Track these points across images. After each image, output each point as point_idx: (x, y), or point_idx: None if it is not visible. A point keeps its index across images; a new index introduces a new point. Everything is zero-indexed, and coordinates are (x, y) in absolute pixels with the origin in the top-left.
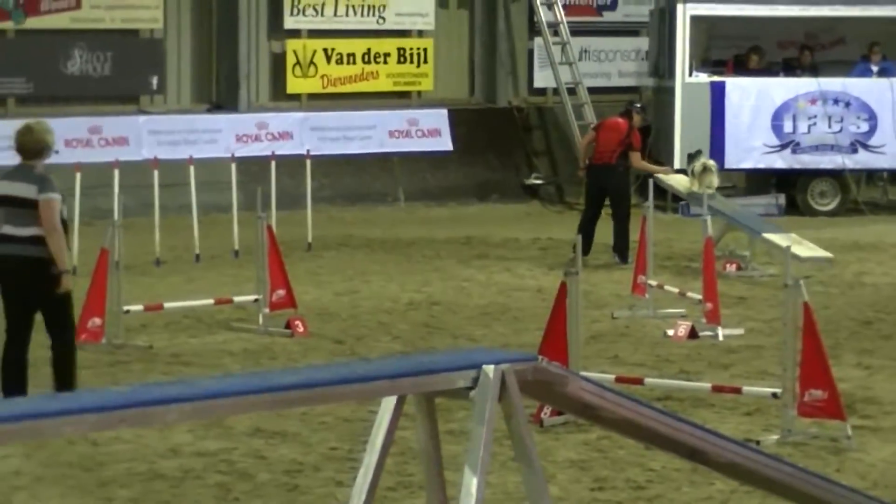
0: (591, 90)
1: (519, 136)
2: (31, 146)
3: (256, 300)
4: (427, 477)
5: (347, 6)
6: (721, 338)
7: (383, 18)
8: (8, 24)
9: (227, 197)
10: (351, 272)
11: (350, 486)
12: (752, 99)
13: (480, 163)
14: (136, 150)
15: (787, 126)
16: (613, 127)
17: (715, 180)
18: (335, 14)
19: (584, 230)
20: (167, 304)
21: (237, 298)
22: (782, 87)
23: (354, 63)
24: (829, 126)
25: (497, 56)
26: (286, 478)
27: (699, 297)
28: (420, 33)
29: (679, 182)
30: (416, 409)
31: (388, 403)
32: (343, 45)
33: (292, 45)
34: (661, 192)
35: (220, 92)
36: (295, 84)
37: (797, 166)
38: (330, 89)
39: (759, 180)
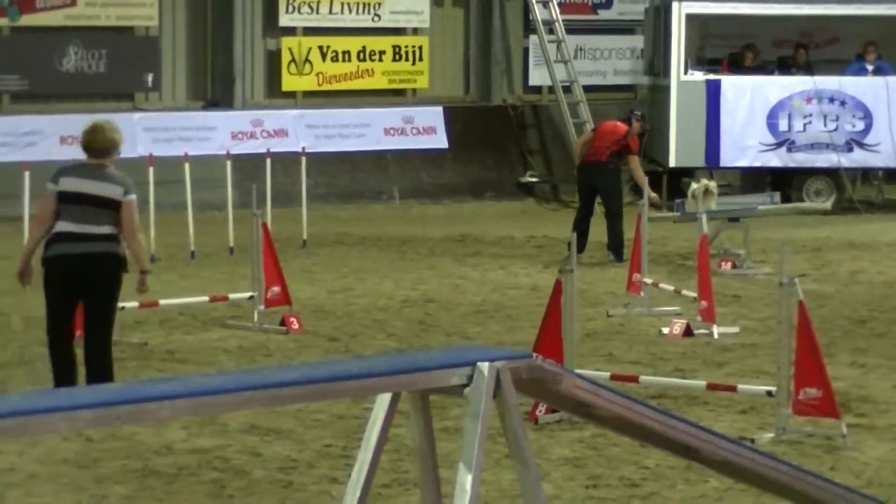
0: (587, 88)
1: (514, 134)
2: (101, 145)
3: (251, 297)
4: (421, 474)
5: (343, 4)
6: (716, 336)
7: (378, 16)
8: (3, 22)
9: (222, 194)
10: (346, 270)
11: (344, 482)
12: (748, 97)
13: (475, 161)
14: (132, 147)
15: (783, 124)
16: (611, 129)
17: (713, 204)
18: (330, 12)
19: (578, 228)
20: (162, 301)
21: (232, 296)
22: (778, 86)
23: (350, 60)
24: (825, 125)
25: (492, 54)
26: (280, 475)
27: (694, 295)
28: (415, 31)
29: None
30: (411, 406)
31: (383, 400)
32: (338, 43)
33: (287, 42)
34: (657, 190)
35: (215, 89)
36: (290, 82)
37: (792, 165)
38: (325, 87)
39: (754, 179)
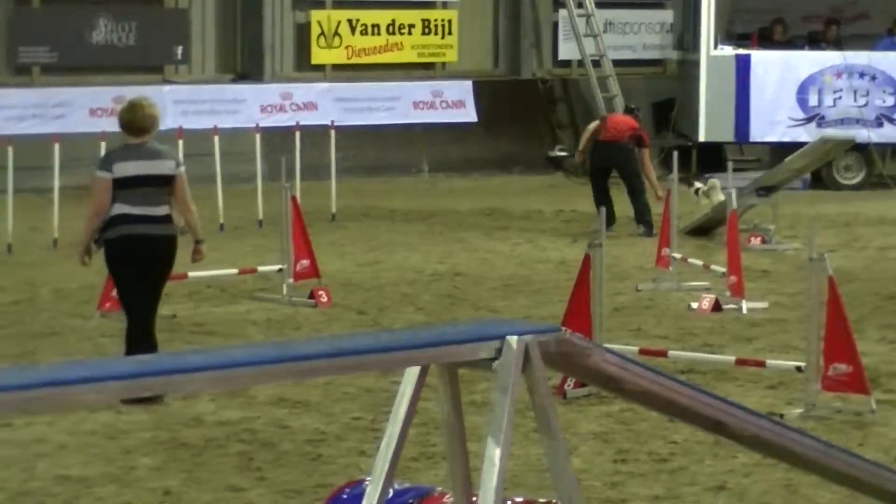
0: (616, 63)
1: (543, 109)
2: (143, 123)
3: (280, 270)
4: (449, 447)
5: None
6: (745, 311)
7: None
8: None
9: (251, 167)
10: (374, 243)
11: (372, 455)
12: (777, 72)
13: (504, 135)
14: (161, 120)
15: (813, 99)
16: (624, 119)
17: (720, 196)
18: None
19: (602, 203)
20: (191, 274)
21: (261, 268)
22: (807, 61)
23: (379, 34)
24: (855, 100)
25: (521, 28)
26: (309, 447)
27: (723, 270)
28: (444, 4)
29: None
30: (439, 379)
31: (411, 374)
32: (368, 16)
33: (317, 15)
34: (686, 165)
35: (244, 62)
36: (319, 55)
37: None
38: (354, 60)
39: (783, 154)
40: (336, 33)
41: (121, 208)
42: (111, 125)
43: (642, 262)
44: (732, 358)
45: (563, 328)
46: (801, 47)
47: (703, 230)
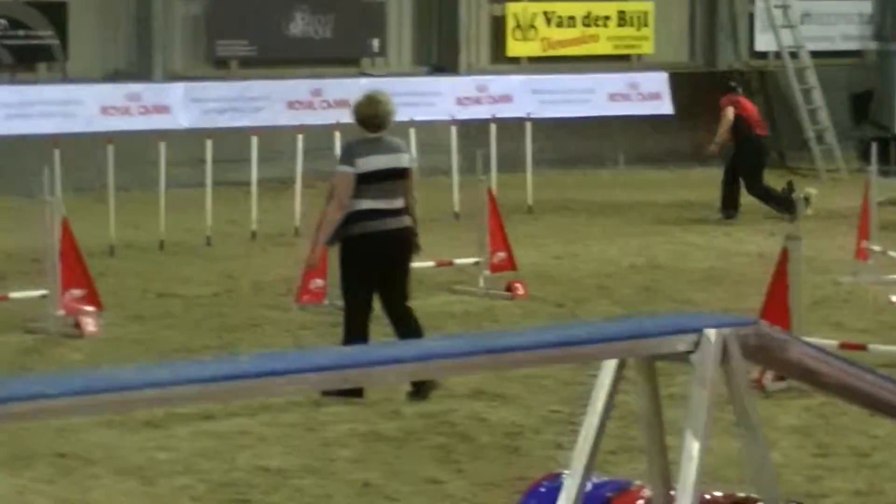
0: (814, 54)
1: None
2: (383, 118)
3: (477, 263)
4: (647, 441)
5: None
6: None
7: None
8: None
9: (447, 159)
10: (571, 235)
11: (570, 449)
12: None
13: (701, 126)
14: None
15: None
16: (748, 103)
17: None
18: None
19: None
20: None
21: (458, 261)
22: None
23: (574, 26)
24: None
25: (718, 19)
26: (507, 440)
27: None
28: None
29: None
30: (637, 372)
31: (609, 366)
32: (563, 9)
33: (512, 8)
34: (885, 156)
35: (440, 55)
36: (515, 47)
37: None
38: (550, 52)
39: None
40: (532, 25)
41: (365, 203)
42: (308, 118)
43: (841, 255)
44: None
45: (762, 321)
46: None
47: None
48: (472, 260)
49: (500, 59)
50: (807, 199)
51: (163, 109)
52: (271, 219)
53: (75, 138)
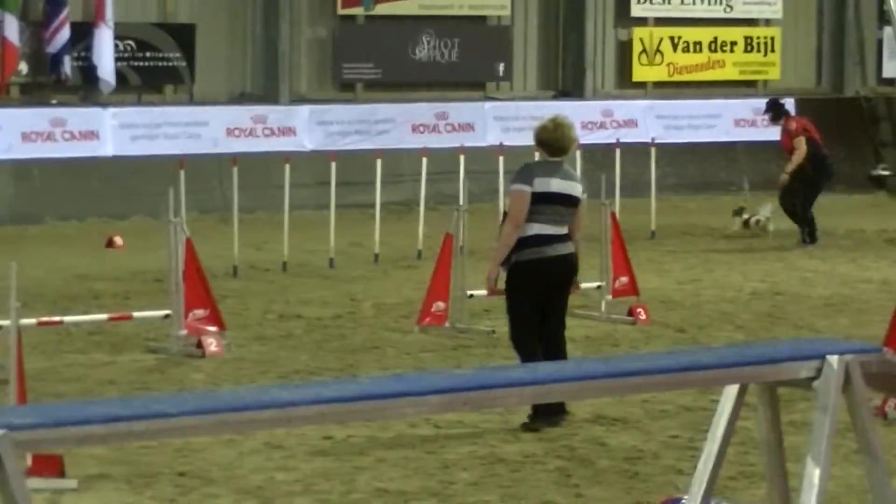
0: None
1: (866, 127)
2: (566, 143)
3: (599, 287)
4: (768, 467)
5: None
6: None
7: (731, 7)
8: (358, 10)
9: None
10: (694, 261)
11: (690, 474)
12: None
13: (827, 153)
14: (482, 136)
15: None
16: (810, 124)
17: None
18: (682, 2)
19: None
20: None
21: (581, 285)
22: None
23: (701, 51)
24: None
25: (845, 45)
26: (626, 464)
27: None
28: (767, 22)
29: None
30: (759, 398)
31: (730, 392)
32: (690, 34)
33: (639, 32)
34: None
35: (565, 79)
36: (640, 72)
37: None
38: (676, 77)
39: None
40: (658, 50)
41: (539, 228)
42: (433, 141)
43: None
44: None
45: (886, 348)
46: None
47: None
48: (594, 284)
49: (626, 84)
50: (757, 222)
51: (288, 132)
52: (394, 241)
53: (201, 160)
